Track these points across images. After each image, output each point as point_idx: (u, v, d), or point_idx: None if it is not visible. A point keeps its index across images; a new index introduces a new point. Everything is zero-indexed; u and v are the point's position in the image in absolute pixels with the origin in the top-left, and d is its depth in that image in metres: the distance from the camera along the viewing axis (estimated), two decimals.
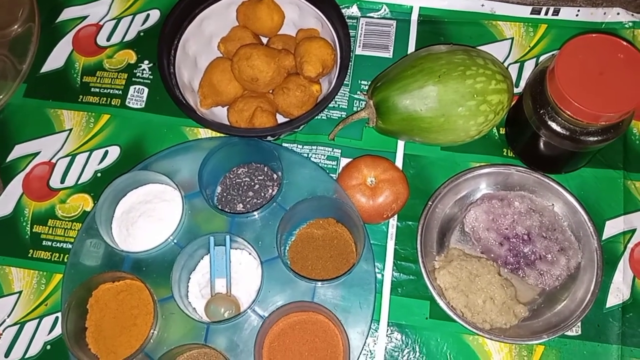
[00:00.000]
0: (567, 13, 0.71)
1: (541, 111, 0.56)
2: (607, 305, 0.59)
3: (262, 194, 0.63)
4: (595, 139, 0.54)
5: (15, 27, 0.73)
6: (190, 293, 0.59)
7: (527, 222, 0.60)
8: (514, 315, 0.57)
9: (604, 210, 0.63)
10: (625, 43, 0.52)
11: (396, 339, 0.59)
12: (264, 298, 0.56)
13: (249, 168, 0.64)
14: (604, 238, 0.62)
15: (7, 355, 0.60)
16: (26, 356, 0.60)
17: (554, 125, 0.55)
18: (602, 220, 0.62)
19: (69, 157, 0.68)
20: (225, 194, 0.63)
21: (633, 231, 0.62)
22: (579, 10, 0.71)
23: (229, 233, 0.58)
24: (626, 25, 0.70)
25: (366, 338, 0.55)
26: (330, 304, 0.56)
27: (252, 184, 0.64)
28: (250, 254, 0.59)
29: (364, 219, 0.60)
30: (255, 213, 0.59)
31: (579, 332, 0.58)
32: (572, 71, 0.51)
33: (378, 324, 0.60)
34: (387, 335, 0.59)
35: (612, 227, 0.62)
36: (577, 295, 0.57)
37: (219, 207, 0.63)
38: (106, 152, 0.68)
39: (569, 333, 0.58)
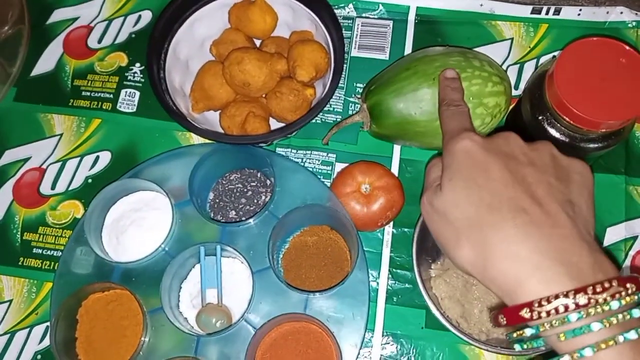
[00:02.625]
0: (569, 12, 0.69)
1: (540, 117, 0.54)
2: None
3: (255, 201, 0.62)
4: (595, 145, 0.53)
5: (5, 29, 0.71)
6: (182, 303, 0.58)
7: None
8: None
9: (605, 217, 0.61)
10: (627, 47, 0.50)
11: (391, 349, 0.58)
12: (256, 308, 0.55)
13: (241, 174, 0.63)
14: (605, 245, 0.60)
15: None
16: None
17: (552, 132, 0.53)
18: (603, 227, 0.61)
19: (60, 163, 0.67)
20: (217, 201, 0.62)
21: (635, 238, 0.60)
22: (580, 10, 0.69)
23: (220, 243, 0.56)
24: (629, 25, 0.68)
25: (359, 350, 0.54)
26: (324, 316, 0.55)
27: (245, 190, 0.62)
28: (242, 263, 0.58)
29: (358, 227, 0.59)
30: (247, 221, 0.58)
31: None
32: (572, 76, 0.50)
33: (373, 333, 0.59)
34: (381, 345, 0.58)
35: (613, 234, 0.61)
36: None
37: (212, 213, 0.62)
38: (97, 158, 0.67)
39: None
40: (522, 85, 0.67)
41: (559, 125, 0.53)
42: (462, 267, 0.39)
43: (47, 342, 0.60)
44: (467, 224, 0.39)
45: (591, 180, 0.42)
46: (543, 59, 0.68)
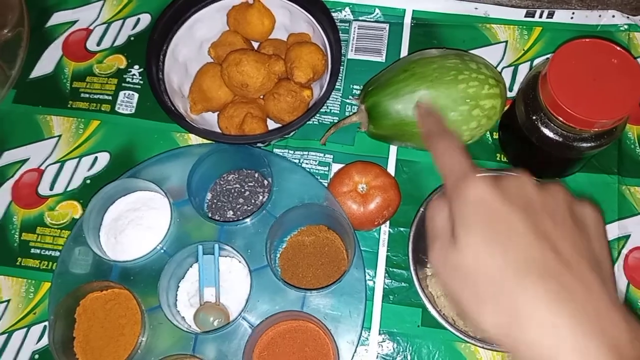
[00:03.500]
0: (562, 16, 0.71)
1: (534, 117, 0.55)
2: None
3: (253, 201, 0.63)
4: (589, 145, 0.54)
5: (5, 32, 0.72)
6: (179, 302, 0.58)
7: None
8: None
9: None
10: (619, 48, 0.51)
11: (387, 347, 0.59)
12: (253, 307, 0.56)
13: (239, 174, 0.64)
14: None
15: None
16: None
17: (546, 132, 0.54)
18: None
19: (58, 164, 0.67)
20: (215, 201, 0.63)
21: (627, 237, 0.61)
22: (573, 13, 0.70)
23: (218, 242, 0.57)
24: (621, 28, 0.69)
25: (356, 347, 0.55)
26: (321, 313, 0.55)
27: (243, 190, 0.63)
28: (240, 262, 0.58)
29: (355, 226, 0.59)
30: (245, 221, 0.58)
31: None
32: (565, 77, 0.51)
33: (369, 332, 0.59)
34: (378, 343, 0.59)
35: (607, 233, 0.61)
36: None
37: (209, 214, 0.62)
38: (96, 159, 0.67)
39: None
40: (516, 88, 0.68)
41: (552, 125, 0.54)
42: (485, 332, 0.36)
43: (44, 341, 0.60)
44: (492, 286, 0.35)
45: (604, 226, 0.39)
46: (537, 62, 0.69)
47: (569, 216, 0.37)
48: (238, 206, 0.62)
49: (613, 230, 0.61)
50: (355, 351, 0.55)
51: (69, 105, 0.70)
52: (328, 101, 0.67)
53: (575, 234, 0.36)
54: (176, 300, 0.58)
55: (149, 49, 0.62)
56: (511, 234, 0.36)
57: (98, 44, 0.73)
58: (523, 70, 0.69)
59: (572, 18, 0.70)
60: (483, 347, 0.55)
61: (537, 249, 0.35)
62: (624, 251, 0.61)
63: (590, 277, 0.34)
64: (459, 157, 0.42)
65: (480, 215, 0.37)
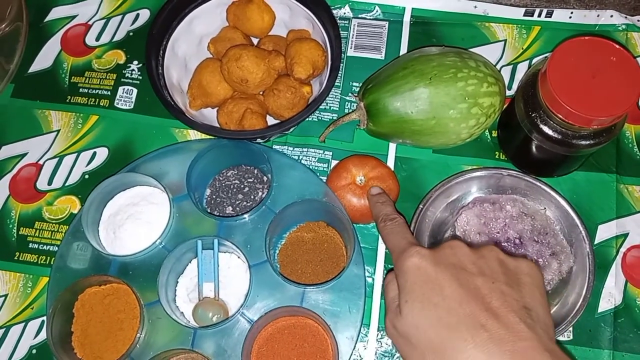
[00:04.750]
0: (560, 15, 0.71)
1: (533, 114, 0.55)
2: (599, 310, 0.59)
3: (252, 197, 0.63)
4: (588, 142, 0.54)
5: (3, 26, 0.71)
6: (178, 297, 0.58)
7: (518, 226, 0.59)
8: None
9: (597, 214, 0.62)
10: (617, 46, 0.51)
11: (386, 344, 0.59)
12: (252, 302, 0.56)
13: (238, 170, 0.64)
14: (596, 242, 0.61)
15: None
16: None
17: (545, 129, 0.54)
18: (595, 224, 0.62)
19: (57, 159, 0.67)
20: (214, 197, 0.63)
21: (625, 235, 0.61)
22: (572, 13, 0.71)
23: (217, 237, 0.57)
24: (619, 28, 0.70)
25: (355, 343, 0.55)
26: (320, 309, 0.55)
27: (242, 186, 0.63)
28: (239, 257, 0.58)
29: (356, 219, 0.59)
30: (244, 216, 0.58)
31: (571, 337, 0.58)
32: (564, 74, 0.51)
33: (368, 329, 0.59)
34: (377, 340, 0.59)
35: (605, 231, 0.62)
36: (569, 300, 0.56)
37: (208, 210, 0.62)
38: (94, 154, 0.67)
39: (560, 338, 0.57)
40: (515, 86, 0.68)
41: (551, 122, 0.54)
42: None
43: (42, 336, 0.60)
44: (430, 347, 0.39)
45: (540, 278, 0.43)
46: (536, 61, 0.69)
47: (501, 273, 0.41)
48: (237, 202, 0.62)
49: (611, 229, 0.62)
50: (354, 347, 0.55)
51: (67, 100, 0.70)
52: (327, 98, 0.67)
53: (504, 287, 0.40)
54: (175, 295, 0.58)
55: (148, 44, 0.62)
56: (443, 294, 0.40)
57: (97, 39, 0.73)
58: (522, 69, 0.69)
59: (570, 17, 0.71)
60: None
61: (466, 306, 0.39)
62: (622, 250, 0.61)
63: (519, 327, 0.37)
64: (401, 235, 0.48)
65: (416, 282, 0.42)
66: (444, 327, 0.38)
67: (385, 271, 0.61)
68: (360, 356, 0.58)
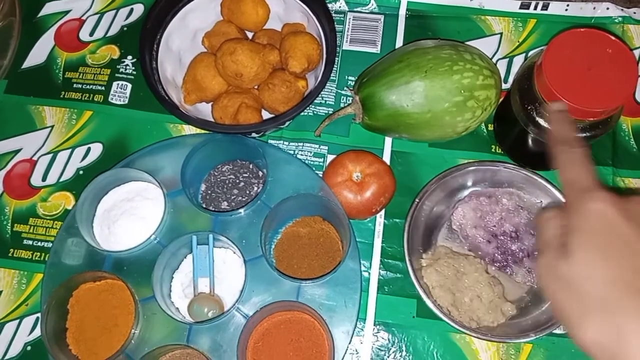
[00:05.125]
0: (556, 8, 0.71)
1: (529, 107, 0.55)
2: None
3: (247, 192, 0.62)
4: (584, 135, 0.53)
5: None
6: (173, 293, 0.58)
7: (515, 219, 0.59)
8: (502, 314, 0.56)
9: None
10: (613, 37, 0.51)
11: (383, 338, 0.59)
12: (248, 297, 0.55)
13: (233, 165, 0.63)
14: None
15: None
16: (6, 357, 0.59)
17: (542, 122, 0.54)
18: None
19: (51, 155, 0.67)
20: (209, 192, 0.62)
21: None
22: (568, 5, 0.70)
23: (212, 232, 0.57)
24: (616, 20, 0.70)
25: (351, 337, 0.55)
26: (315, 303, 0.55)
27: (237, 181, 0.63)
28: (234, 252, 0.58)
29: (352, 216, 0.59)
30: (239, 211, 0.58)
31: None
32: (560, 66, 0.51)
33: (364, 323, 0.59)
34: (373, 334, 0.59)
35: None
36: None
37: (204, 205, 0.62)
38: (89, 149, 0.67)
39: (557, 331, 0.57)
40: (511, 79, 0.68)
41: (547, 115, 0.53)
42: (583, 346, 0.35)
43: (37, 333, 0.60)
44: (600, 303, 0.34)
45: None
46: (532, 53, 0.69)
47: None
48: (232, 197, 0.62)
49: None
50: (350, 341, 0.54)
51: (61, 96, 0.69)
52: (323, 92, 0.67)
53: None
54: (170, 291, 0.58)
55: (142, 39, 0.61)
56: (629, 251, 0.35)
57: (91, 34, 0.72)
58: (518, 62, 0.69)
59: (566, 10, 0.70)
60: (478, 338, 0.55)
61: None
62: None
63: None
64: (585, 169, 0.41)
65: (599, 229, 0.36)
66: (623, 283, 0.34)
67: (381, 265, 0.61)
68: (356, 350, 0.58)
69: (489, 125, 0.66)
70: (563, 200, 0.58)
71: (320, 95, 0.67)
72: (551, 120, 0.50)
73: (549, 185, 0.59)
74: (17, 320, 0.60)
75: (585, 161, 0.42)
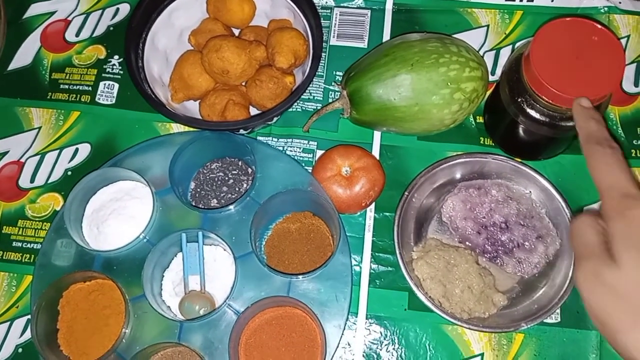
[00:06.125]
0: None
1: (519, 99, 0.55)
2: None
3: (237, 189, 0.62)
4: (574, 123, 0.53)
5: None
6: (164, 291, 0.57)
7: (504, 210, 0.59)
8: (493, 304, 0.56)
9: (583, 197, 0.62)
10: (599, 26, 0.51)
11: (375, 332, 0.59)
12: (239, 294, 0.55)
13: (222, 163, 0.63)
14: None
15: None
16: None
17: (532, 113, 0.54)
18: (580, 207, 0.62)
19: (39, 156, 0.66)
20: (199, 190, 0.62)
21: None
22: None
23: (202, 229, 0.56)
24: (601, 10, 0.70)
25: (343, 331, 0.55)
26: (307, 298, 0.55)
27: (226, 178, 0.62)
28: (224, 250, 0.58)
29: (342, 210, 0.59)
30: (228, 208, 0.58)
31: (559, 319, 0.58)
32: (548, 56, 0.51)
33: (356, 317, 0.59)
34: (365, 328, 0.59)
35: None
36: (556, 281, 0.56)
37: (193, 203, 0.62)
38: (76, 150, 0.66)
39: (548, 320, 0.57)
40: (498, 71, 0.68)
41: (538, 105, 0.53)
42: (630, 355, 0.34)
43: (28, 335, 0.59)
44: None
45: None
46: (519, 45, 0.69)
47: None
48: (222, 194, 0.62)
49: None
50: (342, 335, 0.54)
51: (48, 97, 0.69)
52: (311, 88, 0.67)
53: None
54: (161, 289, 0.57)
55: (127, 37, 0.61)
56: None
57: (77, 35, 0.72)
58: (505, 54, 0.69)
59: (552, 1, 0.70)
60: (469, 328, 0.55)
61: None
62: None
63: None
64: (623, 172, 0.39)
65: None
66: None
67: (372, 258, 0.61)
68: (348, 343, 0.58)
69: (478, 117, 0.66)
70: (552, 190, 0.58)
71: (308, 91, 0.67)
72: (577, 117, 0.47)
73: (537, 175, 0.59)
74: (8, 323, 0.60)
75: (622, 162, 0.40)
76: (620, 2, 0.70)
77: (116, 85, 0.69)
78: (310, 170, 0.62)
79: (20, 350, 0.59)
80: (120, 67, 0.70)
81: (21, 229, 0.64)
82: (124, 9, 0.73)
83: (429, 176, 0.60)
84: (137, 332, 0.55)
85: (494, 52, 0.69)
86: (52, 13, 0.73)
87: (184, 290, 0.56)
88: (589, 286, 0.37)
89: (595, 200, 0.62)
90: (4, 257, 0.62)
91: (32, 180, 0.65)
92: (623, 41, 0.68)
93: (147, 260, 0.54)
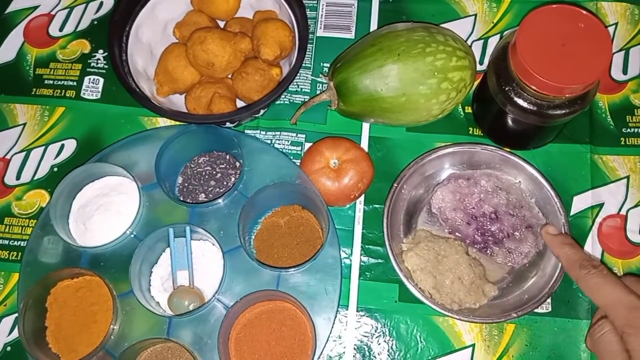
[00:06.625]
0: None
1: (506, 88, 0.54)
2: None
3: (225, 183, 0.62)
4: (562, 112, 0.53)
5: None
6: (153, 287, 0.57)
7: (494, 201, 0.59)
8: (484, 295, 0.56)
9: (572, 186, 0.62)
10: (585, 12, 0.51)
11: (366, 324, 0.58)
12: (228, 288, 0.55)
13: (210, 157, 0.63)
14: (572, 213, 0.61)
15: None
16: None
17: (520, 101, 0.54)
18: (570, 196, 0.61)
19: (24, 153, 0.66)
20: (186, 184, 0.62)
21: (601, 205, 0.61)
22: None
23: (189, 224, 0.56)
24: None
25: (333, 324, 0.54)
26: (296, 292, 0.55)
27: (214, 172, 0.62)
28: (213, 244, 0.57)
29: (331, 202, 0.59)
30: (215, 202, 0.57)
31: (549, 309, 0.58)
32: (534, 44, 0.50)
33: (347, 310, 0.59)
34: (356, 321, 0.58)
35: (580, 202, 0.61)
36: (546, 271, 0.56)
37: (181, 197, 0.61)
38: (62, 146, 0.66)
39: (539, 310, 0.57)
40: (486, 60, 0.67)
41: (525, 94, 0.53)
42: None
43: (16, 333, 0.59)
44: None
45: None
46: (506, 34, 0.68)
47: None
48: (210, 189, 0.61)
49: (587, 200, 0.61)
50: (332, 327, 0.54)
51: (32, 93, 0.68)
52: (298, 80, 0.67)
53: None
54: (150, 285, 0.57)
55: (110, 31, 0.60)
56: None
57: (60, 29, 0.71)
58: (493, 43, 0.68)
59: None
60: (460, 319, 0.55)
61: None
62: (598, 220, 0.61)
63: None
64: (617, 287, 0.42)
65: None
66: None
67: (362, 251, 0.60)
68: (339, 336, 0.58)
69: (466, 107, 0.66)
70: (541, 179, 0.58)
71: (295, 83, 0.66)
72: (551, 246, 0.51)
73: (526, 165, 0.59)
74: None
75: (610, 277, 0.42)
76: None
77: (101, 80, 0.68)
78: (298, 163, 0.61)
79: (9, 348, 0.58)
80: (105, 62, 0.69)
81: (7, 227, 0.63)
82: (108, 2, 0.72)
83: (418, 167, 0.60)
84: (125, 328, 0.54)
85: (482, 41, 0.69)
86: (35, 7, 0.72)
87: (173, 285, 0.56)
88: None
89: (585, 188, 0.62)
90: None
91: (18, 177, 0.65)
92: (611, 29, 0.68)
93: (134, 255, 0.54)
